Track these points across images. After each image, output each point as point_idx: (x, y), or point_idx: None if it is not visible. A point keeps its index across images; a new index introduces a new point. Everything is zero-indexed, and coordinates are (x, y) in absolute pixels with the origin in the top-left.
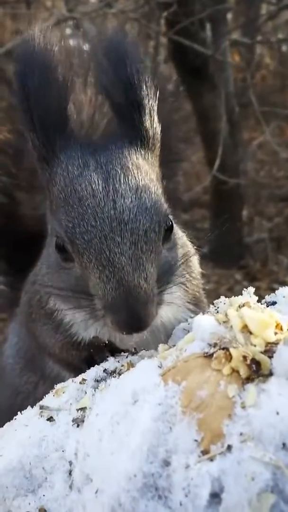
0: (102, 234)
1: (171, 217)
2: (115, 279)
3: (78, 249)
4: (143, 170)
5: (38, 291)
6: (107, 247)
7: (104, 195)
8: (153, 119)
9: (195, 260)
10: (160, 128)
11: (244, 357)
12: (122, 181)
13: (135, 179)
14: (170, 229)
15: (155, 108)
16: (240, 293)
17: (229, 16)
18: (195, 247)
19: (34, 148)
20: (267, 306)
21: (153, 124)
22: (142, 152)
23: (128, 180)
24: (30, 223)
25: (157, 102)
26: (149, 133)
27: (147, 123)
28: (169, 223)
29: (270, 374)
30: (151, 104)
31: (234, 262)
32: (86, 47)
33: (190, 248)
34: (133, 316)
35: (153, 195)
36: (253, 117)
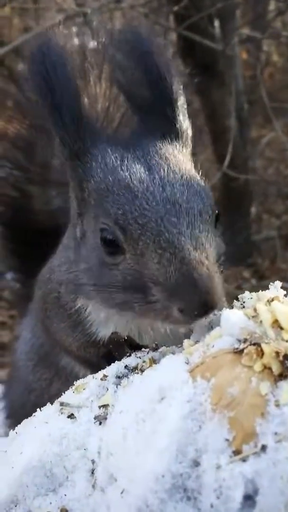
0: (158, 216)
1: None
2: (177, 259)
3: (132, 236)
4: (182, 160)
5: (55, 288)
6: (165, 228)
7: (150, 181)
8: (185, 113)
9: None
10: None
11: (277, 353)
12: (165, 169)
13: (177, 167)
14: (217, 217)
15: (185, 102)
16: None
17: (238, 13)
18: None
19: (64, 145)
20: None
21: (185, 119)
22: (177, 145)
23: (170, 168)
24: (42, 218)
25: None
26: (183, 127)
27: (181, 117)
28: (216, 210)
29: None
30: (183, 98)
31: (242, 260)
32: (98, 40)
33: None
34: (202, 292)
35: (199, 181)
36: (261, 115)
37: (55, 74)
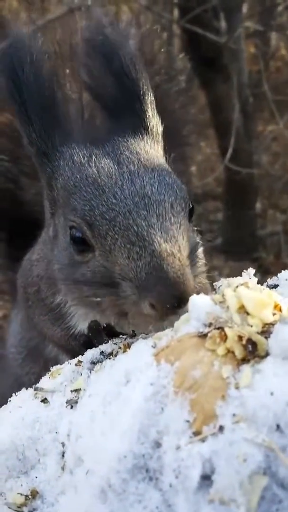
0: (126, 209)
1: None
2: (147, 253)
3: (99, 232)
4: (153, 155)
5: (35, 282)
6: (134, 221)
7: (119, 176)
8: (154, 108)
9: (200, 251)
10: (159, 118)
11: (240, 337)
12: (135, 163)
13: (148, 161)
14: (192, 212)
15: (153, 97)
16: None
17: (245, 8)
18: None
19: (31, 143)
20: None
21: (154, 113)
22: (148, 140)
23: (141, 162)
24: (32, 209)
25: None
26: (152, 122)
27: (150, 112)
28: (190, 204)
29: (267, 355)
30: (150, 94)
31: (247, 255)
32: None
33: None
34: (173, 286)
35: (171, 174)
36: (268, 109)
37: (22, 73)
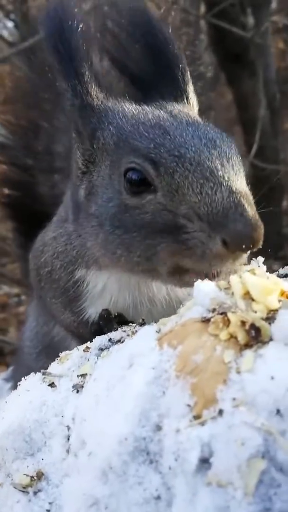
0: (197, 147)
1: None
2: (224, 188)
3: (166, 169)
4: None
5: (48, 262)
6: (207, 158)
7: (179, 123)
8: (193, 88)
9: None
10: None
11: (243, 323)
12: (188, 117)
13: (198, 118)
14: None
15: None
16: None
17: (274, 2)
18: None
19: (76, 96)
20: None
21: (193, 90)
22: (189, 108)
23: (192, 117)
24: (46, 202)
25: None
26: (193, 99)
27: (190, 87)
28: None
29: (271, 341)
30: (189, 73)
31: (272, 253)
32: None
33: None
34: (252, 226)
35: (220, 131)
36: None
37: (69, 26)
